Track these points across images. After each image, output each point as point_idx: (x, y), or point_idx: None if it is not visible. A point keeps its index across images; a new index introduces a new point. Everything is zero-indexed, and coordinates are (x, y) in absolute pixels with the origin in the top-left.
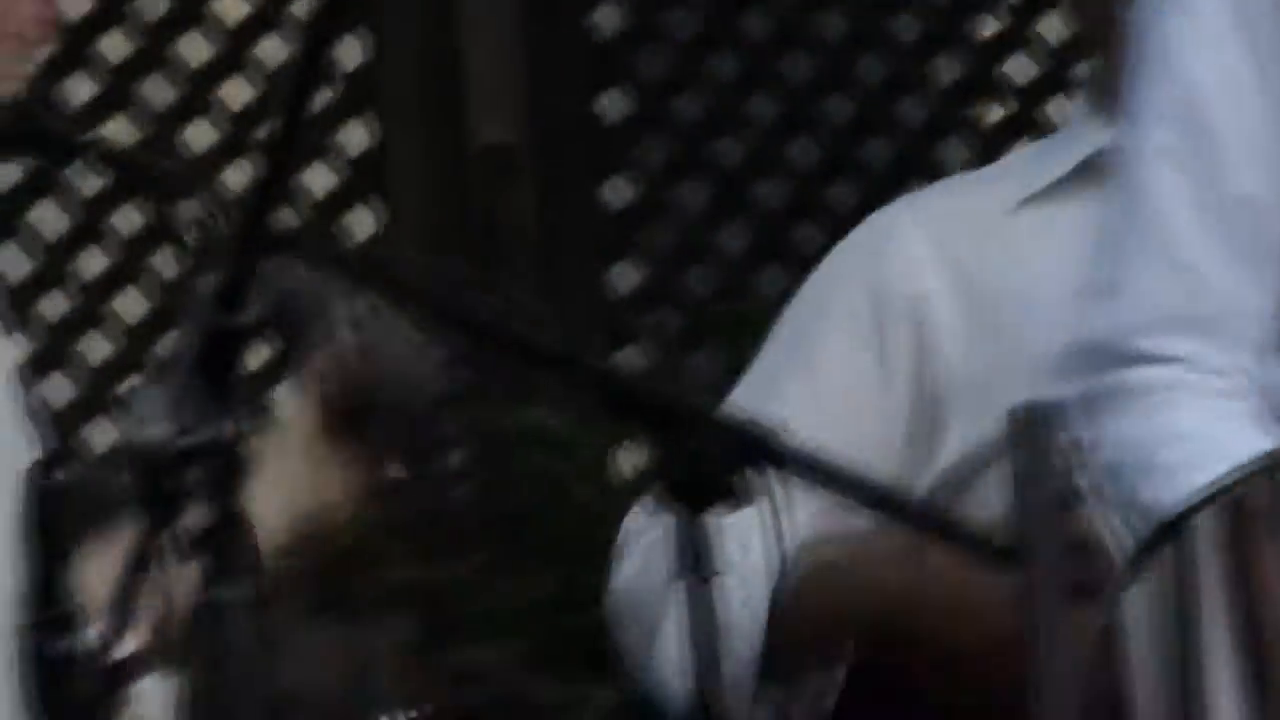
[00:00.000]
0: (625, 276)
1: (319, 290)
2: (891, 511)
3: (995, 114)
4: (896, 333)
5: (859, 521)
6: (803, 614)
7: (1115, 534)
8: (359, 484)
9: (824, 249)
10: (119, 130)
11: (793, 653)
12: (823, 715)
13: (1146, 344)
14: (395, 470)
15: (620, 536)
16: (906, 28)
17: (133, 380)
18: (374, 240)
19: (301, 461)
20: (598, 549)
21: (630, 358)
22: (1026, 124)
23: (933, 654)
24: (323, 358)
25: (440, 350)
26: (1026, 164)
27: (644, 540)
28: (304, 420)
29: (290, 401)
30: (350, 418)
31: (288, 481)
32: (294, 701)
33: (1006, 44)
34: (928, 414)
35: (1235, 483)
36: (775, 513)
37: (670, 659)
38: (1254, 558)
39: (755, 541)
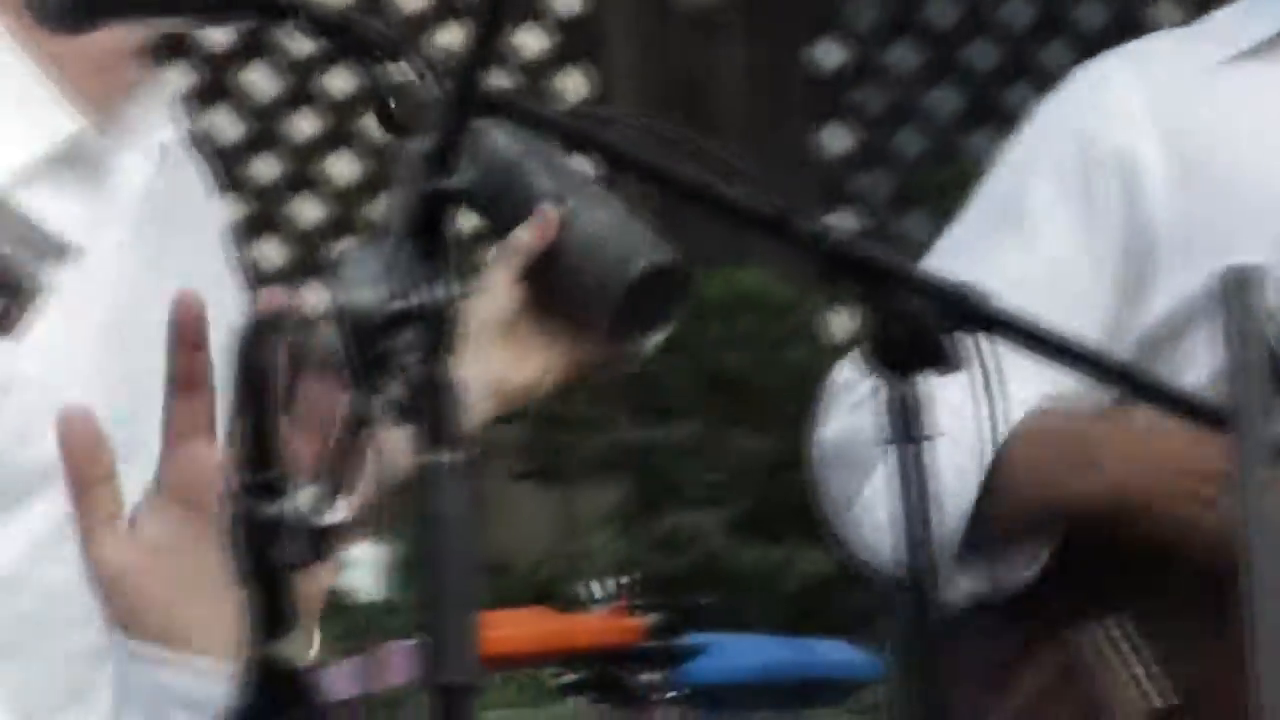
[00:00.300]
0: (836, 139)
1: (526, 158)
2: (1099, 374)
3: None
4: (1106, 184)
5: (1074, 401)
6: (1023, 486)
7: None
8: (568, 356)
9: None
10: None
11: (1008, 523)
12: (1023, 585)
13: None
14: (603, 342)
15: (827, 388)
16: None
17: (344, 243)
18: (585, 103)
19: (508, 331)
20: (810, 411)
21: (842, 220)
22: None
23: (1159, 535)
24: (531, 227)
25: (648, 218)
26: (1232, 22)
27: (852, 395)
28: (510, 289)
29: (498, 270)
30: (556, 289)
31: (495, 351)
32: (506, 566)
33: None
34: (1135, 267)
35: None
36: (987, 378)
37: (874, 518)
38: None
39: (968, 409)
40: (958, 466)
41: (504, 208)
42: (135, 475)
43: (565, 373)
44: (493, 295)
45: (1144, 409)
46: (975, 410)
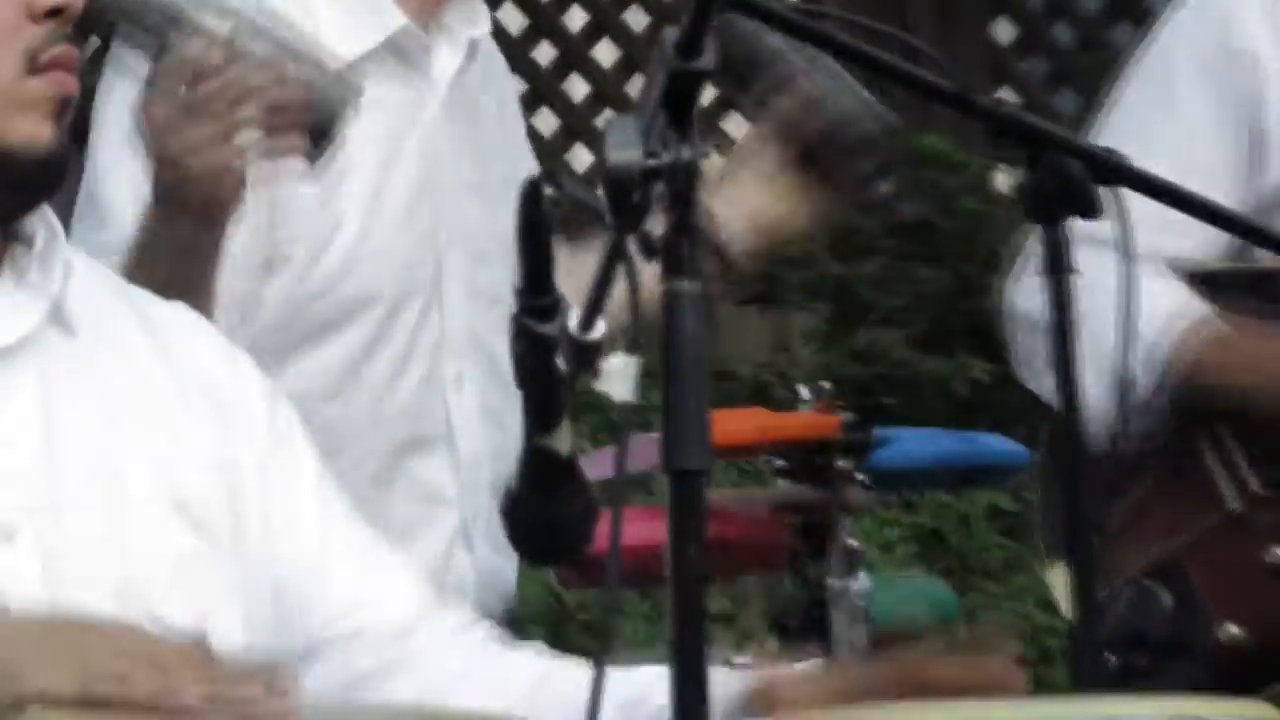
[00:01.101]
0: (1003, 30)
1: (772, 41)
2: (1221, 224)
3: None
4: (1235, 74)
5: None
6: (1188, 380)
7: None
8: (817, 199)
9: None
10: None
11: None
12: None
13: None
14: (843, 188)
15: (1022, 250)
16: None
17: (608, 115)
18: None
19: (770, 180)
20: (980, 249)
21: (1007, 95)
22: None
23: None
24: (785, 100)
25: (866, 92)
26: None
27: (1029, 272)
28: (771, 147)
29: (754, 135)
30: (807, 145)
31: (759, 197)
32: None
33: None
34: (1257, 145)
35: None
36: (1125, 234)
37: (1041, 365)
38: None
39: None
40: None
41: (755, 81)
42: (417, 308)
43: (814, 213)
44: (758, 152)
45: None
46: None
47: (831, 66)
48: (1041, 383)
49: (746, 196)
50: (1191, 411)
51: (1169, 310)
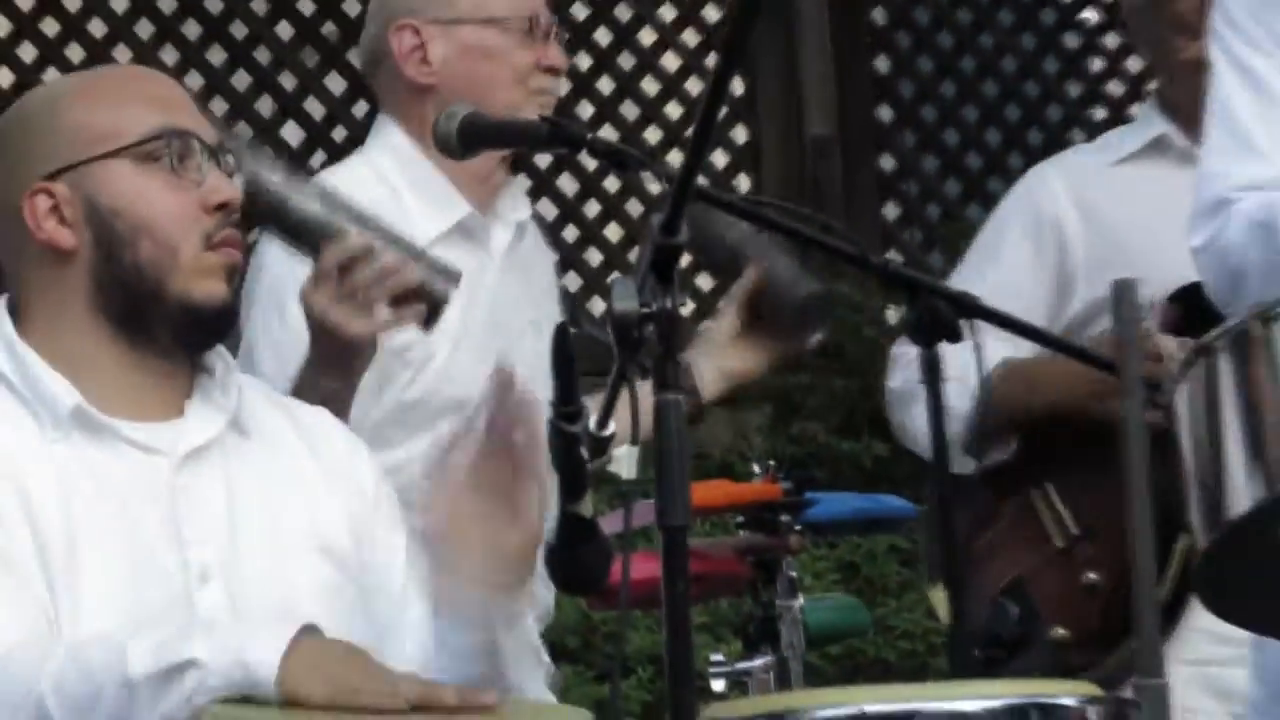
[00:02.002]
0: (890, 209)
1: (729, 228)
2: (1042, 341)
3: None
4: (1047, 239)
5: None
6: (999, 403)
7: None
8: (767, 353)
9: None
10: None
11: (991, 426)
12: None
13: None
14: (786, 343)
15: (891, 357)
16: None
17: (614, 276)
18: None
19: (734, 341)
20: (877, 365)
21: (893, 256)
22: None
23: (1073, 422)
24: (744, 280)
25: (798, 260)
26: (1117, 139)
27: (904, 359)
28: (735, 316)
29: (728, 306)
30: (759, 313)
31: (726, 353)
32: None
33: None
34: (1063, 286)
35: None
36: (976, 346)
37: (918, 429)
38: (1253, 371)
39: (969, 365)
40: (960, 396)
41: (717, 257)
42: None
43: (766, 363)
44: (726, 320)
45: (1061, 361)
46: (970, 367)
47: (773, 246)
48: (917, 447)
49: (715, 355)
50: (1005, 431)
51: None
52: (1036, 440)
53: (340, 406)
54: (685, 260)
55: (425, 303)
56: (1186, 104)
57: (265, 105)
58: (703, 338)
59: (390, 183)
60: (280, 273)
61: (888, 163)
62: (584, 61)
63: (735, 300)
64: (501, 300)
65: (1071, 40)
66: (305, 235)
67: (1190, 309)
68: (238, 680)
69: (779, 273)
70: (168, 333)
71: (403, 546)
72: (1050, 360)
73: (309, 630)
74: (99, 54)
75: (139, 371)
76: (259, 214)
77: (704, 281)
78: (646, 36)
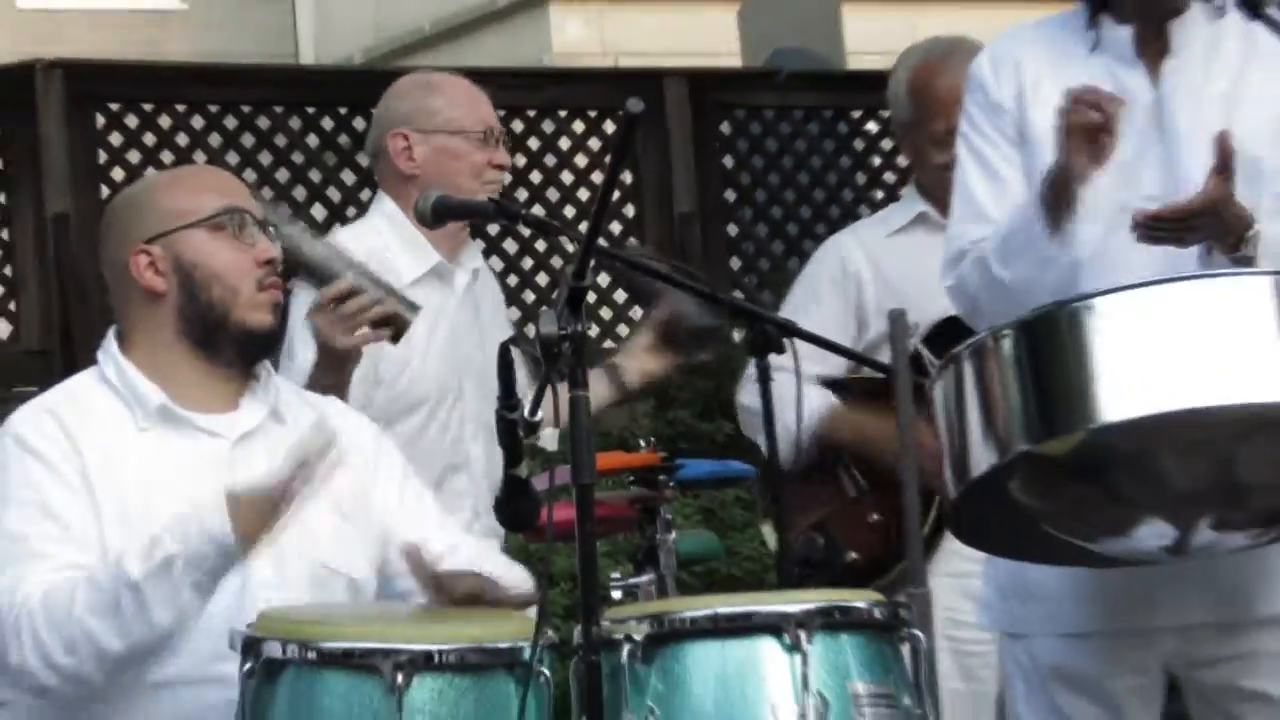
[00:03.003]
0: (734, 261)
1: (648, 282)
2: (844, 354)
3: None
4: (849, 287)
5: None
6: (827, 433)
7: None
8: (671, 361)
9: None
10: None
11: (820, 451)
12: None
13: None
14: (685, 356)
15: (744, 375)
16: None
17: (543, 309)
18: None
19: (647, 353)
20: (728, 369)
21: (736, 294)
22: None
23: (870, 454)
24: (657, 311)
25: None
26: (890, 214)
27: (749, 378)
28: (648, 336)
29: (642, 329)
30: (665, 334)
31: (642, 360)
32: (606, 433)
33: None
34: (861, 320)
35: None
36: (796, 362)
37: (757, 424)
38: (986, 372)
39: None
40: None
41: (642, 298)
42: (450, 403)
43: (672, 368)
44: (644, 337)
45: (872, 415)
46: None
47: (680, 291)
48: (757, 438)
49: (636, 361)
50: (828, 450)
51: (818, 404)
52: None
53: (340, 395)
54: (591, 296)
55: (394, 326)
56: (937, 190)
57: (299, 192)
58: (627, 348)
59: (385, 239)
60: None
61: (733, 230)
62: (520, 160)
63: (651, 324)
64: (459, 324)
65: (859, 143)
66: (318, 277)
67: (950, 334)
68: (209, 551)
69: (685, 309)
70: (231, 350)
71: (399, 479)
72: (864, 418)
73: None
74: (182, 158)
75: (209, 378)
76: (290, 264)
77: (605, 312)
78: (564, 143)
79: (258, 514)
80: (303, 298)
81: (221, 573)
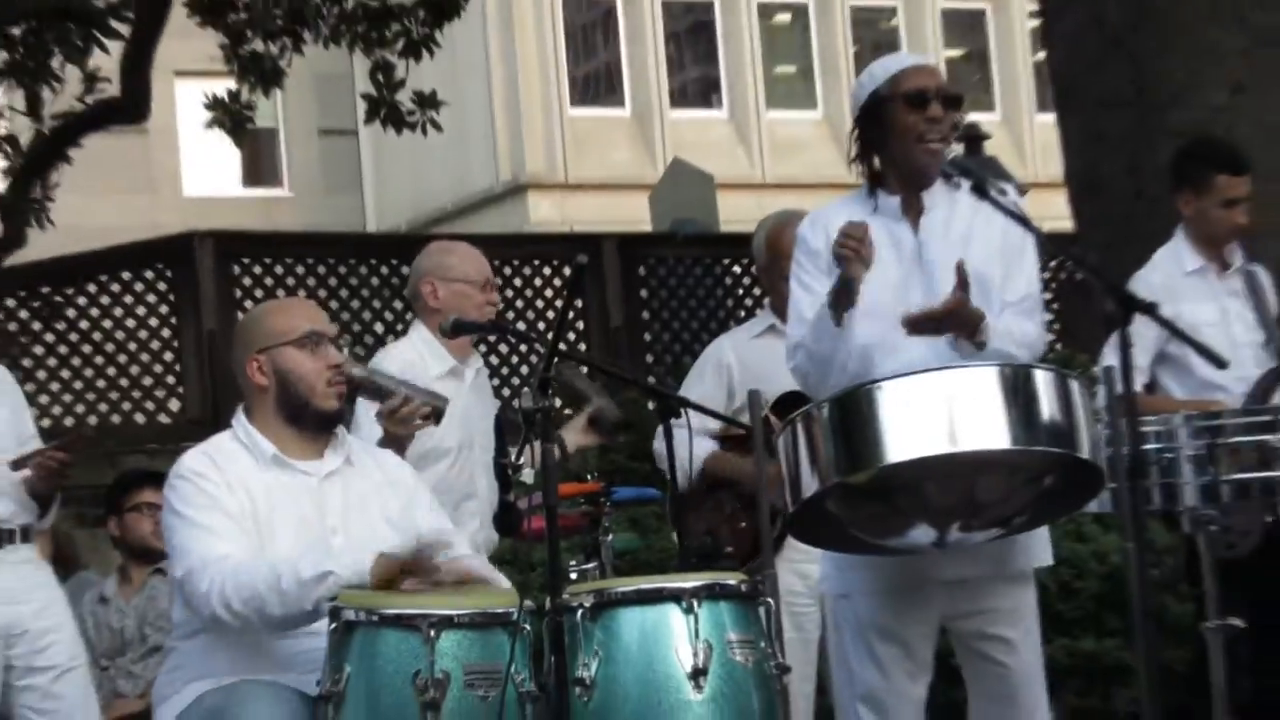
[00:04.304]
0: (650, 353)
1: (577, 379)
2: (721, 419)
3: None
4: (723, 374)
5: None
6: (709, 470)
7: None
8: (595, 440)
9: None
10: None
11: (706, 481)
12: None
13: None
14: (603, 437)
15: (656, 432)
16: None
17: (525, 389)
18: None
19: (580, 434)
20: (647, 430)
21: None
22: None
23: (738, 483)
24: (588, 409)
25: (613, 400)
26: (751, 325)
27: (660, 433)
28: (582, 421)
29: (578, 420)
30: (592, 422)
31: (576, 438)
32: (566, 470)
33: None
34: (730, 395)
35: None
36: (689, 429)
37: (665, 464)
38: (812, 431)
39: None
40: (684, 461)
41: (570, 396)
42: (465, 453)
43: (596, 443)
44: (577, 426)
45: (739, 457)
46: (688, 436)
47: (602, 391)
48: (665, 472)
49: (573, 437)
50: (711, 480)
51: (703, 450)
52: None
53: (400, 454)
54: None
55: (433, 416)
56: (782, 310)
57: (365, 315)
58: (568, 427)
59: (419, 350)
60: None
61: (648, 337)
62: (507, 293)
63: (584, 416)
64: (470, 403)
65: (728, 280)
66: (377, 396)
67: (789, 403)
68: (353, 580)
69: (604, 408)
70: (312, 424)
71: (429, 507)
72: (734, 459)
73: (382, 555)
74: (288, 292)
75: (300, 438)
76: (354, 387)
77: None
78: (536, 281)
79: (388, 570)
80: (368, 412)
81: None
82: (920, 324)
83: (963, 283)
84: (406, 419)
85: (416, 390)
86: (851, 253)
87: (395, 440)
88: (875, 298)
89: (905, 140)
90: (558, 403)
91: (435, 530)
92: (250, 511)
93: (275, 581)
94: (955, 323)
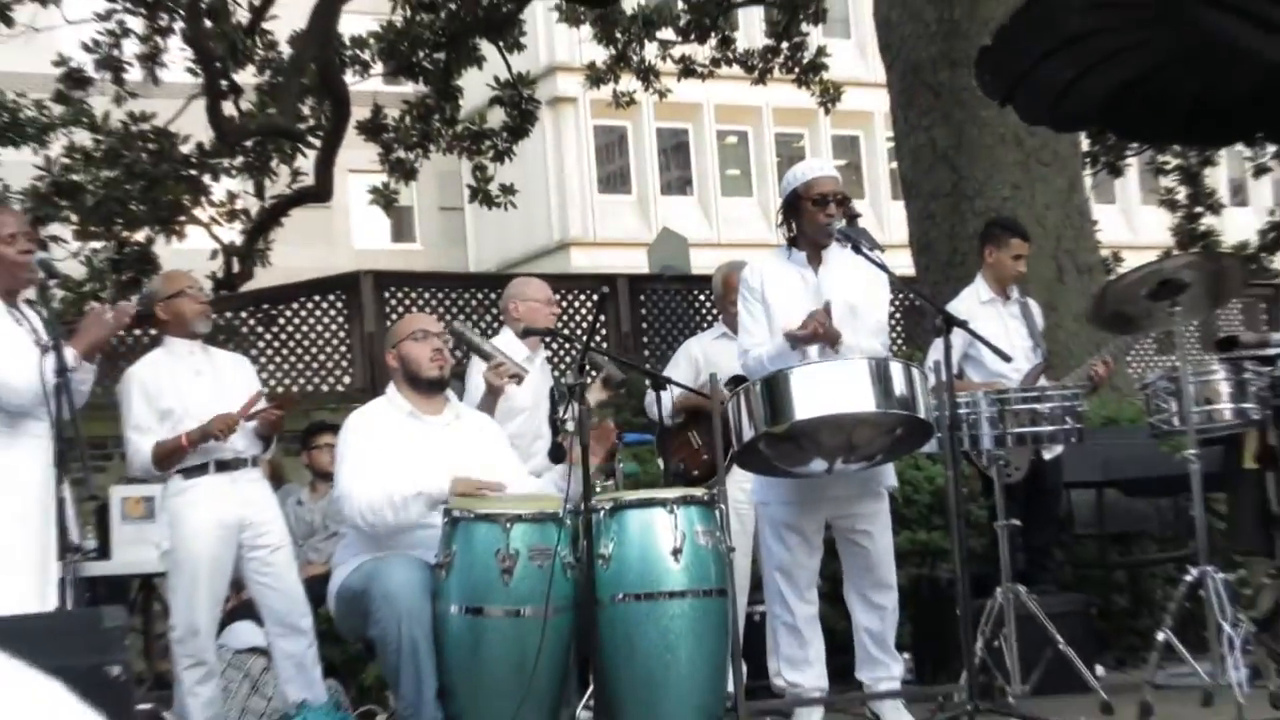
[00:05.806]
0: (646, 358)
1: (608, 364)
2: (691, 390)
3: None
4: (693, 361)
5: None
6: (682, 406)
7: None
8: (608, 395)
9: None
10: None
11: (685, 417)
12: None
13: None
14: (612, 390)
15: (647, 399)
16: None
17: (569, 370)
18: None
19: (598, 390)
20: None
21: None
22: None
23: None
24: (603, 373)
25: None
26: (712, 331)
27: (651, 402)
28: (598, 383)
29: (598, 383)
30: (606, 382)
31: (596, 395)
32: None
33: None
34: (698, 375)
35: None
36: (661, 402)
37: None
38: (748, 396)
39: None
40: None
41: (594, 366)
42: (537, 417)
43: (607, 396)
44: (595, 388)
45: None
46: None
47: (611, 363)
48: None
49: (594, 395)
50: (685, 414)
51: (672, 398)
52: (693, 418)
53: (492, 409)
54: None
55: (517, 379)
56: (732, 324)
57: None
58: (590, 391)
59: (509, 347)
60: (477, 380)
61: (646, 341)
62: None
63: (599, 379)
64: (536, 378)
65: (697, 304)
66: (479, 354)
67: (736, 382)
68: (437, 496)
69: (611, 373)
70: (424, 386)
71: (505, 452)
72: (699, 402)
73: (457, 478)
74: (420, 310)
75: (424, 399)
76: (470, 350)
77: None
78: (577, 304)
79: (464, 487)
80: (475, 368)
81: (438, 508)
82: (796, 339)
83: (828, 312)
84: (500, 374)
85: (507, 358)
86: (820, 326)
87: (493, 392)
88: (791, 318)
89: (813, 222)
90: (589, 379)
91: (509, 468)
92: (392, 450)
93: (389, 500)
94: (823, 339)
